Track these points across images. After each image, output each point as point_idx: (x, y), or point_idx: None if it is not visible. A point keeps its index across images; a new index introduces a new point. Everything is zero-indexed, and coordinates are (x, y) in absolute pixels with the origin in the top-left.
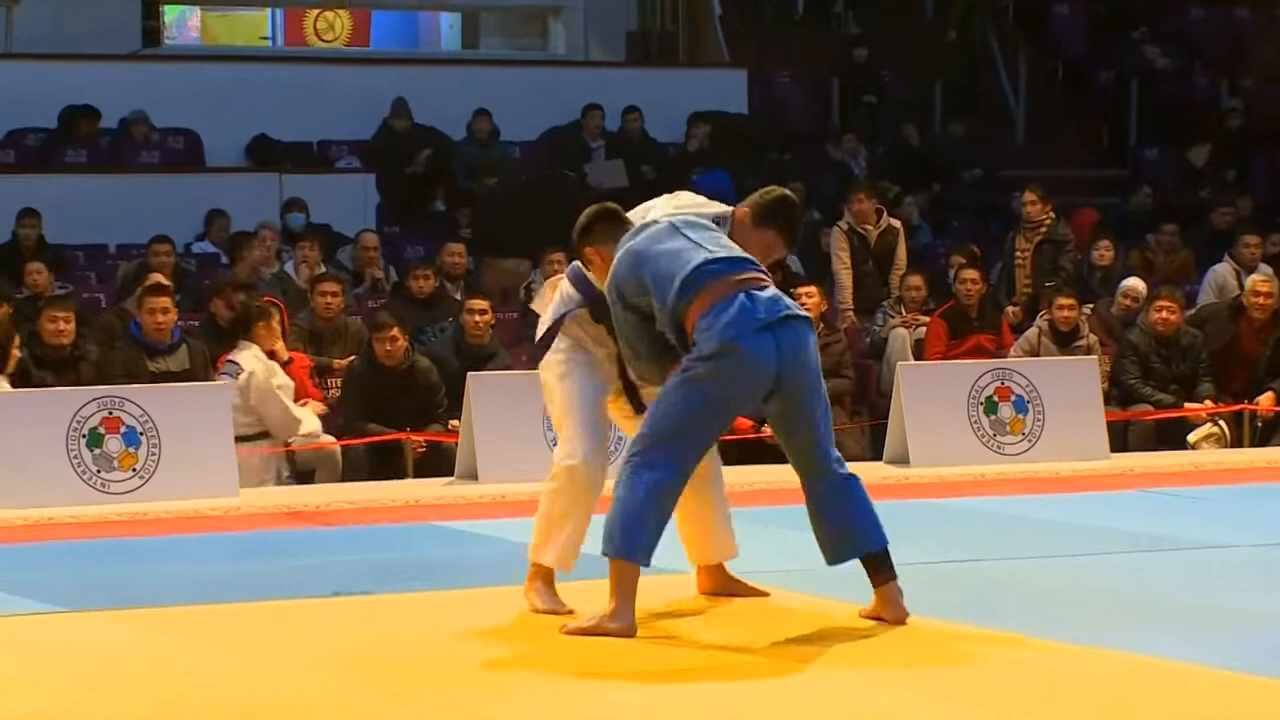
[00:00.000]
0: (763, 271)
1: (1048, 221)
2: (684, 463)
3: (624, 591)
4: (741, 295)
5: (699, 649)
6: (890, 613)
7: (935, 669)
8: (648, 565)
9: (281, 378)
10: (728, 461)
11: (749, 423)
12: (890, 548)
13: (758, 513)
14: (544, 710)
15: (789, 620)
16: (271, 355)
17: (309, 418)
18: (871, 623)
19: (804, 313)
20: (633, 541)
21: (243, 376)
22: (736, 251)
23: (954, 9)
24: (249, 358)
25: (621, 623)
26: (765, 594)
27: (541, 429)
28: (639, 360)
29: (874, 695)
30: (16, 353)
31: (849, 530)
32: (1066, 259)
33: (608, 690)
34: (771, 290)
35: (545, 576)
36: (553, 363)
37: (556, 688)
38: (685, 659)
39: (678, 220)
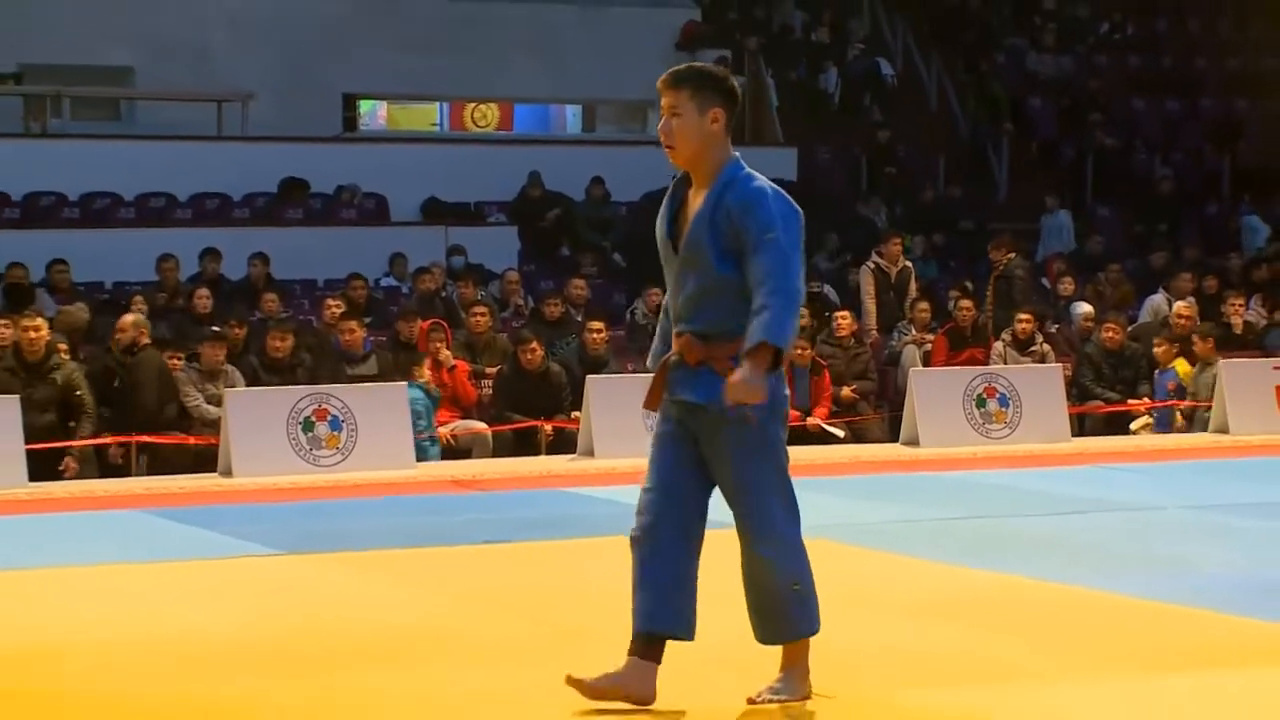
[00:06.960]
0: None
1: (1004, 262)
2: None
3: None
4: None
5: None
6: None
7: (938, 603)
8: None
9: None
10: None
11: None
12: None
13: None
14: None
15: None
16: (439, 363)
17: None
18: (880, 565)
19: None
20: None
21: None
22: None
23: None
24: None
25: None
26: None
27: (640, 418)
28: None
29: (885, 625)
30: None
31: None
32: (1016, 290)
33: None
34: None
35: None
36: None
37: None
38: None
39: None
